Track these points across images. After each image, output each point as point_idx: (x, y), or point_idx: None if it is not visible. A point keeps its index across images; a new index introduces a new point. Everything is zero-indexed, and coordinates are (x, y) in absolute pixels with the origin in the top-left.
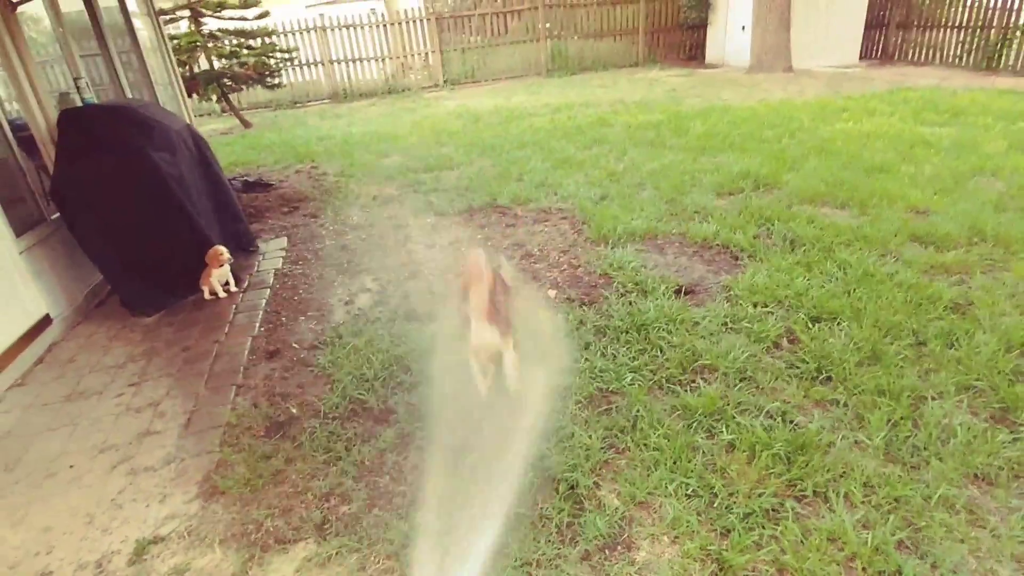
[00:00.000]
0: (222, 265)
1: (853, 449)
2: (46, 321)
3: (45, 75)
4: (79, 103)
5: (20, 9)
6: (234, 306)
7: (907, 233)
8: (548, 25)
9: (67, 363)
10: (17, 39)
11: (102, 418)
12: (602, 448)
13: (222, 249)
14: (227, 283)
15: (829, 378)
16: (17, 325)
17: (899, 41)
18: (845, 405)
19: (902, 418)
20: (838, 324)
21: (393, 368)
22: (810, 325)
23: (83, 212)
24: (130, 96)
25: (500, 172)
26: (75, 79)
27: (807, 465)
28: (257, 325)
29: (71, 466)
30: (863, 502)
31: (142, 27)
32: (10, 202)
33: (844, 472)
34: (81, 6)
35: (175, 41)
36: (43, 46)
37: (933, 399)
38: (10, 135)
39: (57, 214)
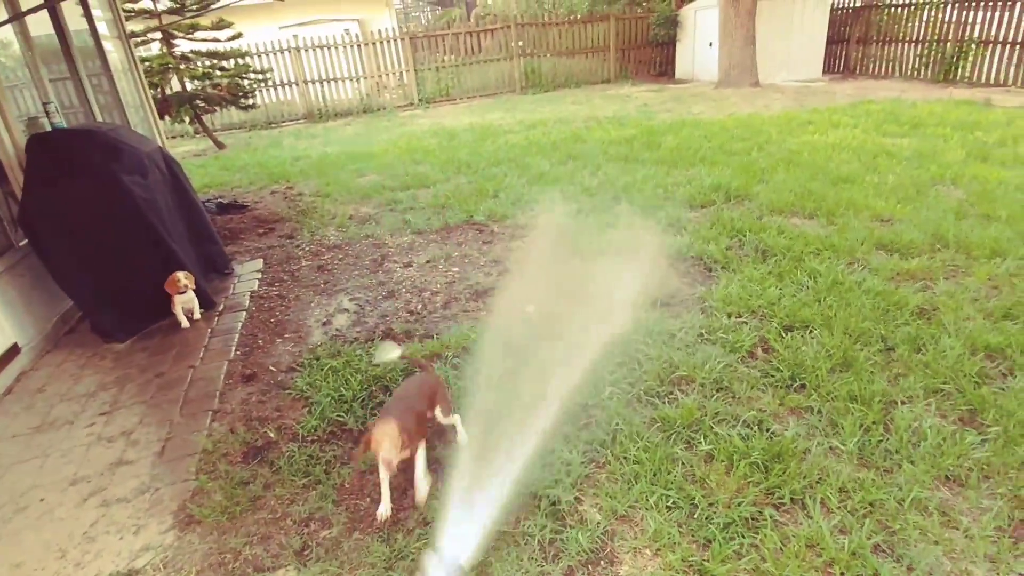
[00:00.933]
0: (182, 291)
1: (828, 455)
2: (14, 350)
3: (13, 99)
4: (48, 127)
5: None
6: (209, 330)
7: (873, 241)
8: (521, 43)
9: (36, 393)
10: None
11: (73, 449)
12: (583, 463)
13: (180, 275)
14: (192, 310)
15: (803, 386)
16: None
17: (860, 56)
18: (819, 412)
19: (874, 423)
20: (810, 332)
21: (372, 388)
22: (783, 334)
23: (53, 238)
24: (100, 119)
25: (476, 189)
26: (44, 103)
27: (784, 473)
28: (233, 349)
29: (42, 499)
30: (839, 507)
31: (112, 49)
32: None
33: (820, 478)
34: (51, 29)
35: (147, 63)
36: (11, 70)
37: (903, 403)
38: None
39: (25, 240)
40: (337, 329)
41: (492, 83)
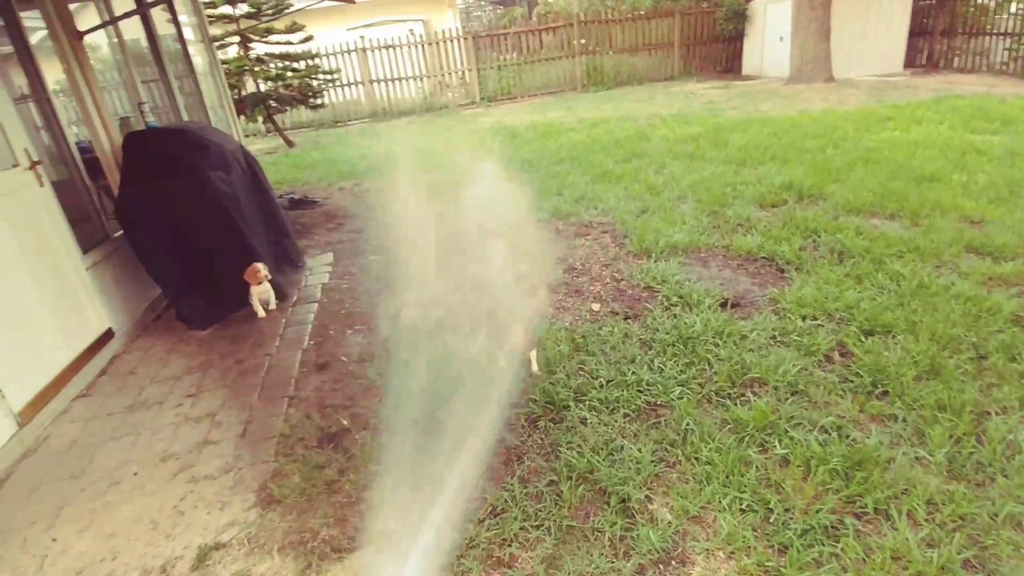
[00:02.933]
0: (260, 282)
1: (914, 466)
2: (109, 335)
3: (109, 100)
4: (142, 126)
5: (86, 38)
6: (284, 320)
7: (962, 244)
8: (583, 41)
9: (128, 375)
10: (84, 66)
11: (163, 428)
12: (652, 461)
13: (260, 266)
14: (268, 301)
15: (885, 392)
16: (83, 339)
17: (945, 49)
18: (904, 420)
19: (965, 434)
20: (893, 337)
21: (439, 381)
22: (863, 338)
23: (145, 230)
24: (186, 118)
25: (539, 187)
26: (139, 104)
27: (866, 481)
28: (306, 339)
29: (135, 474)
30: (927, 520)
31: (196, 53)
32: (77, 221)
33: (906, 489)
34: (142, 34)
35: (225, 65)
36: (105, 72)
37: (996, 414)
38: (77, 157)
39: (119, 232)
40: (406, 322)
41: (553, 81)
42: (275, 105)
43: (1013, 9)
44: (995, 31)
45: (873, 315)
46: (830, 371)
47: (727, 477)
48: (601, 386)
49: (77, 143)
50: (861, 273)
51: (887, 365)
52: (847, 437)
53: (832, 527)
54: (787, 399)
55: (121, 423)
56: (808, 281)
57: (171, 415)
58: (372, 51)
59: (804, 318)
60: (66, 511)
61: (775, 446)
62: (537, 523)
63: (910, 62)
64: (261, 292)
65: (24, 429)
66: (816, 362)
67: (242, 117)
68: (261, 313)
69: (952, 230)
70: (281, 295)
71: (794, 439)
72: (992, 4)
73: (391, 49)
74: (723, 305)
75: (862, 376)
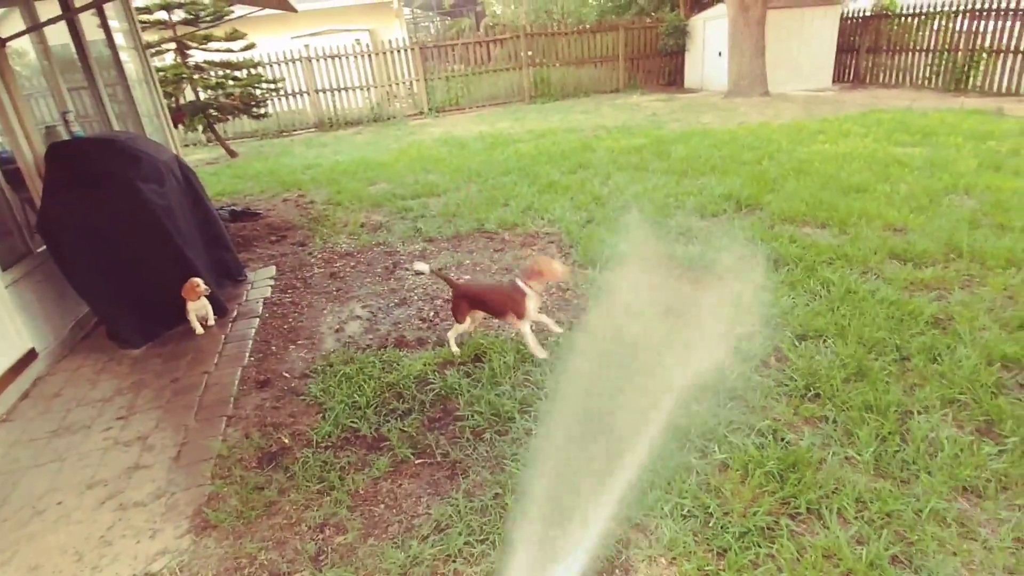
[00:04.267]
0: (198, 298)
1: (844, 465)
2: (31, 355)
3: (32, 108)
4: (66, 136)
5: (9, 44)
6: (223, 336)
7: (886, 251)
8: (530, 53)
9: (53, 397)
10: (5, 74)
11: (90, 453)
12: None
13: (198, 281)
14: (206, 316)
15: (818, 395)
16: (2, 359)
17: (870, 65)
18: (834, 422)
19: (890, 433)
20: (824, 341)
21: (385, 395)
22: (797, 343)
23: (71, 244)
24: (117, 128)
25: (487, 198)
26: (63, 112)
27: (800, 482)
28: (247, 355)
29: (59, 503)
30: (856, 517)
31: (128, 60)
32: None
33: (836, 488)
34: (68, 40)
35: (161, 73)
36: (29, 79)
37: (919, 413)
38: None
39: (43, 247)
40: (350, 336)
41: (501, 92)
42: (216, 114)
43: (935, 26)
44: (917, 48)
45: (806, 320)
46: (767, 376)
47: (669, 483)
48: (546, 397)
49: None
50: (795, 280)
51: (819, 368)
52: (782, 440)
53: (768, 528)
54: (726, 404)
55: (44, 449)
56: (746, 288)
57: (99, 439)
58: (317, 60)
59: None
60: None
61: (715, 451)
62: (482, 537)
63: (838, 77)
64: (199, 308)
65: None
66: (754, 367)
67: (180, 126)
68: (199, 330)
69: (877, 238)
70: (221, 310)
71: (733, 444)
72: (915, 22)
73: (337, 59)
74: (666, 313)
75: (796, 380)
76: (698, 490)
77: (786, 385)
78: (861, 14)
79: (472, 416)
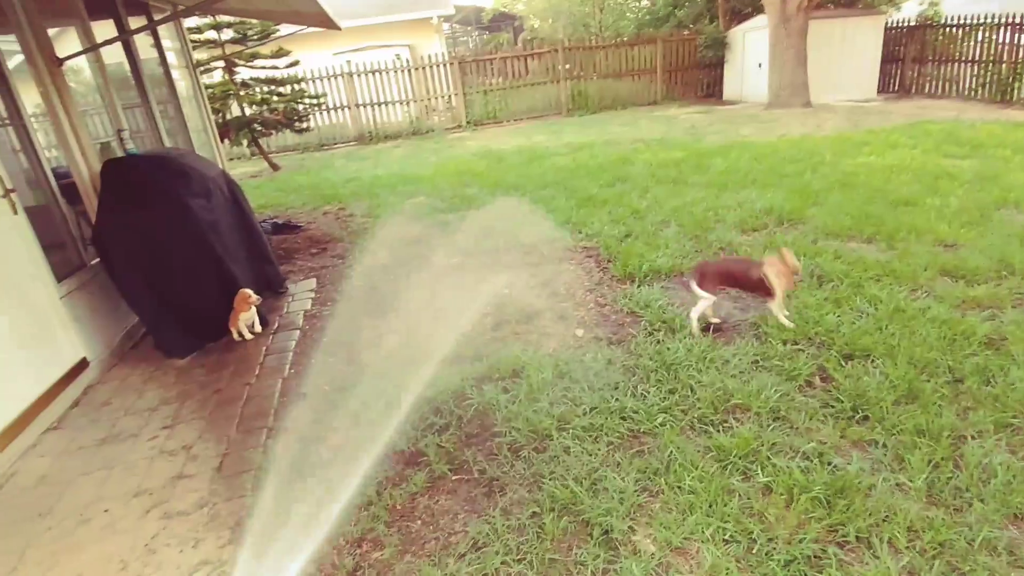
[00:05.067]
0: (250, 308)
1: (895, 492)
2: (83, 364)
3: (88, 125)
4: (120, 153)
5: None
6: (264, 348)
7: (937, 267)
8: (568, 66)
9: (102, 406)
10: (62, 92)
11: (136, 462)
12: (636, 491)
13: (250, 292)
14: (252, 324)
15: (866, 417)
16: (55, 369)
17: (915, 75)
18: (884, 446)
19: (943, 459)
20: (872, 361)
21: (423, 410)
22: (843, 363)
23: (123, 258)
24: (168, 144)
25: (524, 211)
26: (118, 130)
27: (848, 509)
28: (287, 367)
29: (105, 511)
30: (907, 547)
31: (180, 77)
32: (53, 247)
33: (887, 516)
34: (123, 58)
35: (210, 90)
36: (86, 96)
37: (973, 438)
38: (53, 183)
39: (96, 259)
40: (388, 349)
41: (539, 106)
42: (260, 129)
43: (980, 37)
44: (963, 58)
45: (852, 339)
46: (811, 396)
47: (710, 506)
48: (584, 413)
49: (54, 168)
50: (840, 297)
51: (867, 390)
52: (829, 464)
53: (815, 557)
54: (769, 425)
55: (93, 457)
56: (789, 306)
57: (146, 448)
58: (358, 75)
59: (785, 343)
60: (30, 552)
61: (758, 474)
62: (519, 557)
63: (883, 88)
64: (247, 318)
65: None
66: (797, 387)
67: (226, 141)
68: (248, 335)
69: (927, 254)
70: (262, 321)
71: (776, 466)
72: (960, 32)
73: (377, 74)
74: (705, 330)
75: (843, 401)
76: (740, 514)
77: (832, 406)
78: (906, 24)
79: (509, 432)
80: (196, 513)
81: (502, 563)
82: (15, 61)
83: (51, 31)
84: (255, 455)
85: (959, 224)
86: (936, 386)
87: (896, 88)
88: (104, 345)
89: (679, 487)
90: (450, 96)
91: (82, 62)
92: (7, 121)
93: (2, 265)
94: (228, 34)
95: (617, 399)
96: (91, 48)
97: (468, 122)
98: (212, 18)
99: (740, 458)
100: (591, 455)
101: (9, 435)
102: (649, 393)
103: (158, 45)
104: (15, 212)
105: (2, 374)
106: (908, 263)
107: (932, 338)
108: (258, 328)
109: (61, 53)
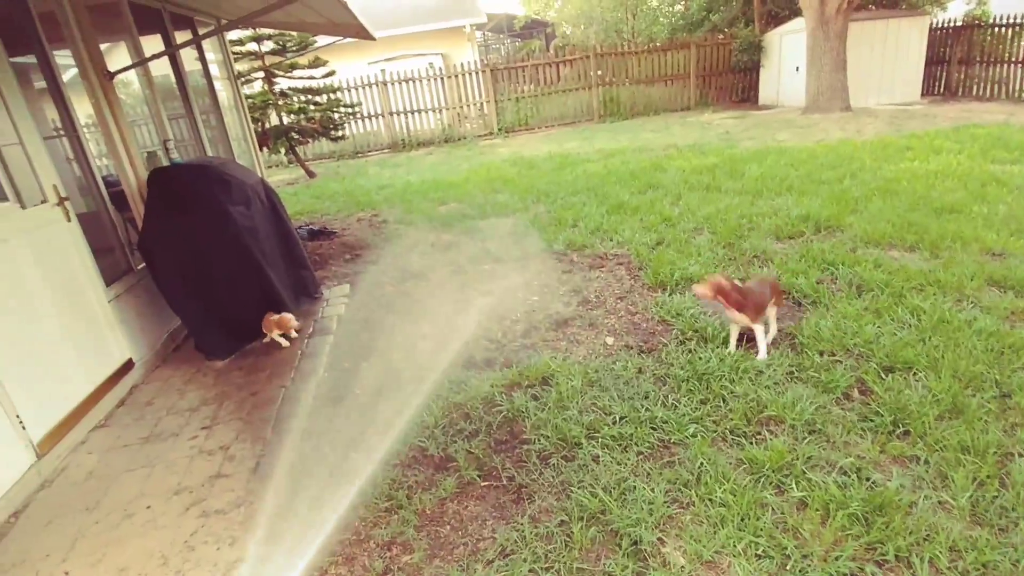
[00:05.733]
0: (286, 332)
1: (937, 510)
2: (129, 365)
3: (136, 135)
4: (165, 162)
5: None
6: (299, 352)
7: (984, 277)
8: (600, 72)
9: (146, 405)
10: (113, 104)
11: (177, 460)
12: (665, 502)
13: (290, 317)
14: (289, 330)
15: (907, 432)
16: (103, 369)
17: (962, 77)
18: (926, 462)
19: (988, 477)
20: (914, 374)
21: (453, 415)
22: (883, 375)
23: (167, 263)
24: (210, 152)
25: (555, 218)
26: (164, 140)
27: (887, 527)
28: (321, 371)
29: (148, 507)
30: (949, 568)
31: (221, 88)
32: (102, 252)
33: (928, 535)
34: (169, 71)
35: (250, 99)
36: (133, 107)
37: (1020, 456)
38: (104, 190)
39: (142, 265)
40: (419, 354)
41: (570, 112)
42: (297, 137)
43: None
44: (1013, 59)
45: (893, 351)
46: (849, 409)
47: (742, 520)
48: (614, 422)
49: (104, 176)
50: (880, 307)
51: (908, 404)
52: (867, 479)
53: (852, 575)
54: (804, 438)
55: (137, 454)
56: (826, 315)
57: (186, 447)
58: (392, 84)
59: (822, 353)
60: (80, 544)
61: (792, 488)
62: (547, 565)
63: (928, 91)
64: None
65: (42, 460)
66: (834, 400)
67: (265, 149)
68: (284, 344)
69: (973, 263)
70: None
71: (812, 481)
72: (1009, 32)
73: (411, 82)
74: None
75: (882, 415)
76: (774, 529)
77: (871, 420)
78: (952, 24)
79: (538, 440)
80: (233, 512)
81: (530, 571)
82: (70, 75)
83: (103, 46)
84: (289, 456)
85: (1008, 232)
86: (982, 401)
87: (941, 91)
88: (148, 347)
89: (710, 499)
90: (482, 103)
91: (131, 75)
92: (62, 132)
93: (57, 270)
94: (268, 45)
95: (647, 408)
96: (140, 62)
97: (500, 129)
98: (253, 31)
99: (774, 471)
100: (620, 464)
101: (62, 431)
102: (680, 403)
103: (202, 58)
104: (68, 219)
105: (57, 373)
106: (953, 272)
107: (978, 351)
108: (294, 332)
109: (112, 67)
